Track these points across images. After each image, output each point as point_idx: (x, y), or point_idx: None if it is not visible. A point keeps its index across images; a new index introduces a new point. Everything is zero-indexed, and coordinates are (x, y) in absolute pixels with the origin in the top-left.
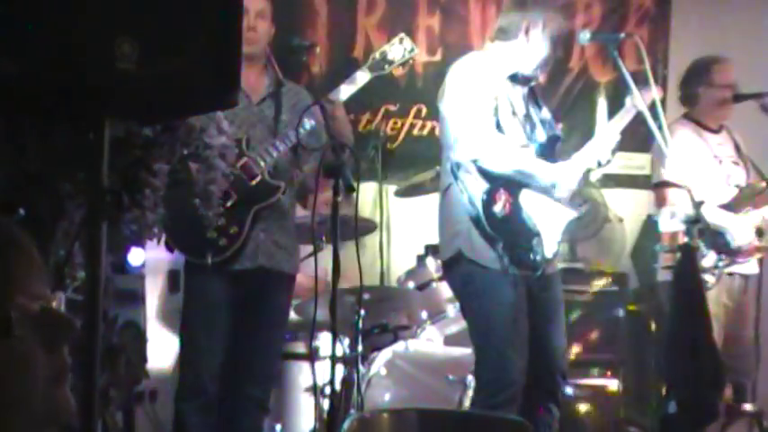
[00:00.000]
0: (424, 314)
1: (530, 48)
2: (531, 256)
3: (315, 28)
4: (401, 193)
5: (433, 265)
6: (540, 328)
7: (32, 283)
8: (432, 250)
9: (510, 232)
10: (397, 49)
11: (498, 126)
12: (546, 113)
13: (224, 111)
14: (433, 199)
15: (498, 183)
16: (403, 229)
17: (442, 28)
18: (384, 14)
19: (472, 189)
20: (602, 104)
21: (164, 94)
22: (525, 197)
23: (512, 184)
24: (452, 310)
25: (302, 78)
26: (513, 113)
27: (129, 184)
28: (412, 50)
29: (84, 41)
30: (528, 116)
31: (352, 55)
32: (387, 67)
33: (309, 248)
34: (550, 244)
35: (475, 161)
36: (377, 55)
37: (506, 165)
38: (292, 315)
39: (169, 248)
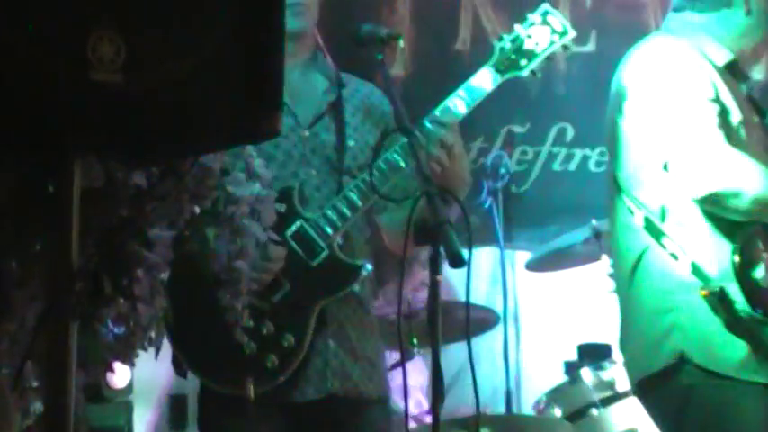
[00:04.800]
0: None
1: (751, 24)
2: None
3: (394, 8)
4: (536, 265)
5: (590, 378)
6: None
7: None
8: (589, 355)
9: None
10: (540, 33)
11: (729, 140)
12: None
13: (257, 144)
14: (587, 272)
15: (753, 231)
16: (540, 322)
17: (595, 1)
18: None
19: (698, 248)
20: None
21: (164, 120)
22: None
23: None
24: None
25: (375, 85)
26: (744, 122)
27: (111, 260)
28: (565, 33)
29: (39, 37)
30: (744, 123)
31: (454, 48)
32: (524, 63)
33: (393, 356)
34: None
35: (707, 200)
36: (506, 43)
37: (761, 198)
38: None
39: (180, 370)
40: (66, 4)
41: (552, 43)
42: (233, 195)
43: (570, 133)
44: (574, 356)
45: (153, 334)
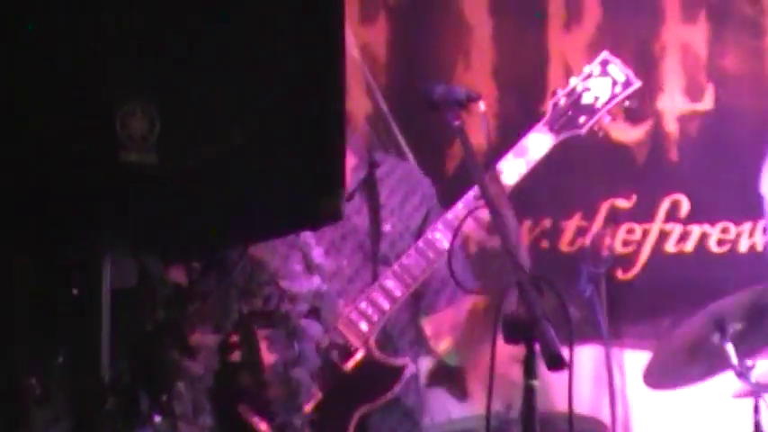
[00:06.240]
0: None
1: None
2: None
3: (469, 63)
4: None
5: None
6: None
7: None
8: None
9: None
10: (600, 85)
11: None
12: None
13: (316, 229)
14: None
15: None
16: None
17: (712, 48)
18: (600, 26)
19: None
20: None
21: (206, 206)
22: None
23: None
24: None
25: (453, 157)
26: None
27: (147, 372)
28: (628, 84)
29: (59, 113)
30: None
31: (543, 108)
32: (582, 120)
33: None
34: None
35: None
36: (561, 99)
37: None
38: None
39: None
40: (91, 71)
41: (614, 96)
42: (288, 291)
43: (685, 206)
44: None
45: None
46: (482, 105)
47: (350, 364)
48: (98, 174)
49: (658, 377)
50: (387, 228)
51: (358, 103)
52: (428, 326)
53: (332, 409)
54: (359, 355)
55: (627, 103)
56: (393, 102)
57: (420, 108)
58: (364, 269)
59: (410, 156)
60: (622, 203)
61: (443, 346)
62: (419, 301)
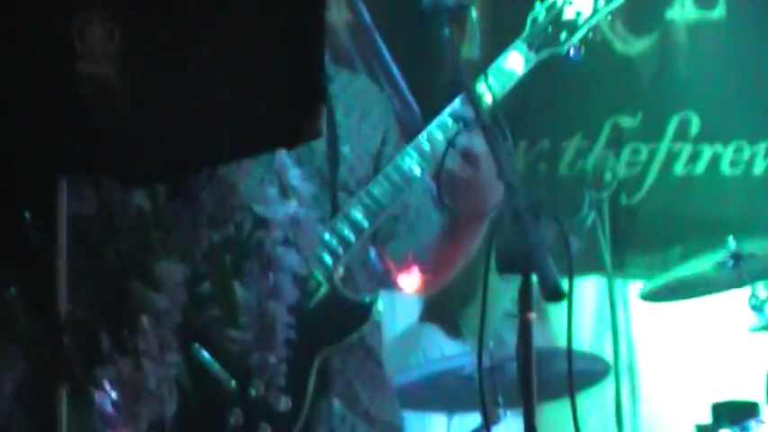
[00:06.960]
0: None
1: None
2: None
3: None
4: (655, 296)
5: None
6: None
7: None
8: (727, 415)
9: None
10: None
11: None
12: None
13: (293, 149)
14: (723, 305)
15: None
16: (662, 373)
17: None
18: None
19: None
20: None
21: (171, 124)
22: None
23: None
24: None
25: (441, 70)
26: None
27: (108, 307)
28: None
29: (9, 15)
30: None
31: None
32: (564, 36)
33: (471, 420)
34: None
35: None
36: (539, 14)
37: None
38: None
39: None
40: None
41: (597, 10)
42: (262, 218)
43: (695, 125)
44: (707, 418)
45: (165, 400)
46: (474, 13)
47: (313, 302)
48: (53, 89)
49: (656, 296)
50: (345, 150)
51: (338, 13)
52: (390, 258)
53: (293, 350)
54: (322, 291)
55: (609, 17)
56: (376, 11)
57: (406, 17)
58: (323, 196)
59: (395, 69)
60: (627, 122)
61: None
62: (376, 230)
